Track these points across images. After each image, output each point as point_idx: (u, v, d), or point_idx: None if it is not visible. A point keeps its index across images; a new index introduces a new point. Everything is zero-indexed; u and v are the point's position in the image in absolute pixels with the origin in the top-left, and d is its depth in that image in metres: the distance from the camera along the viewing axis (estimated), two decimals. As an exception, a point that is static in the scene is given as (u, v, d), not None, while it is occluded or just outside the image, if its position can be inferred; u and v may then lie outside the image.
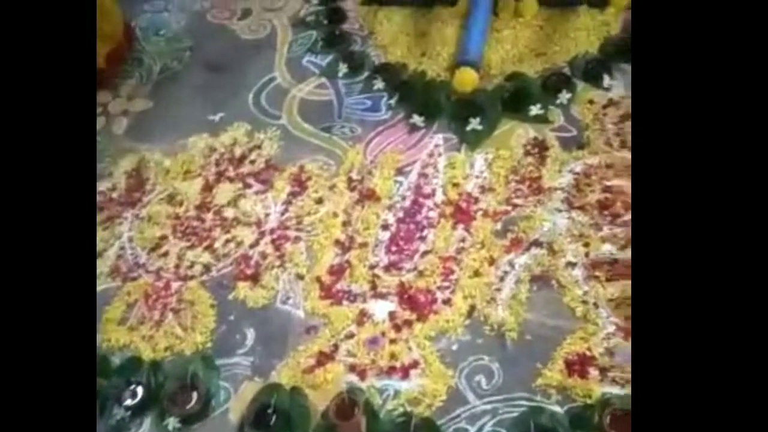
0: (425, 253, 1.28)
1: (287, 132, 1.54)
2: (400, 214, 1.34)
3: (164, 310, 1.29)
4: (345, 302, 1.24)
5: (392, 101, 1.54)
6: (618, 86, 1.45)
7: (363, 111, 1.55)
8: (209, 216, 1.42)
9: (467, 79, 1.49)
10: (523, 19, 1.62)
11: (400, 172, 1.41)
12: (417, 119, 1.49)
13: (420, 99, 1.52)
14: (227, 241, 1.37)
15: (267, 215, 1.39)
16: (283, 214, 1.39)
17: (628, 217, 1.24)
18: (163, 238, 1.41)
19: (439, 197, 1.35)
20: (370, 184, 1.39)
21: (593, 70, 1.48)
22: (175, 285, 1.33)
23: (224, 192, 1.45)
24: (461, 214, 1.31)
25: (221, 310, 1.28)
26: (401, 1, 1.73)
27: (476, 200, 1.33)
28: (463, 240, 1.28)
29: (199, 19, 1.85)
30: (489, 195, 1.33)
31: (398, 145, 1.46)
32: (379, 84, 1.58)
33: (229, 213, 1.42)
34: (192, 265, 1.35)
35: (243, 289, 1.29)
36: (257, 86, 1.64)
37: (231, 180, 1.47)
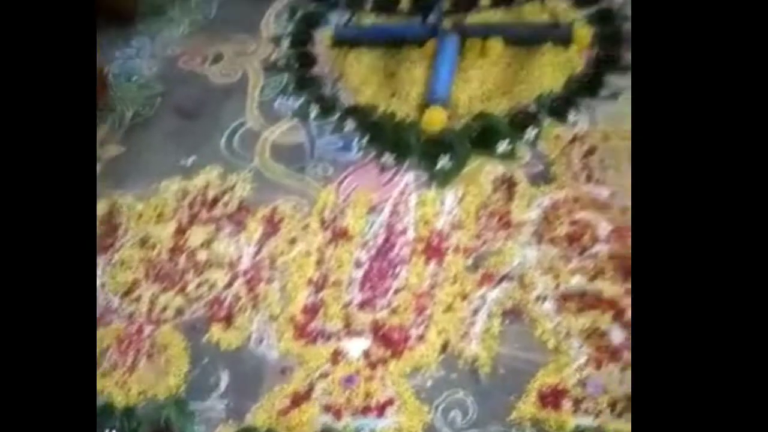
0: (398, 289, 1.28)
1: (260, 174, 1.55)
2: (373, 252, 1.35)
3: (137, 355, 1.28)
4: (319, 341, 1.24)
5: (363, 141, 1.56)
6: (583, 121, 1.49)
7: (335, 151, 1.56)
8: (182, 259, 1.42)
9: (436, 118, 1.52)
10: (489, 59, 1.65)
11: (372, 210, 1.43)
12: (388, 158, 1.51)
13: (390, 139, 1.55)
14: (200, 283, 1.37)
15: (240, 257, 1.40)
16: (256, 255, 1.39)
17: (595, 249, 1.26)
18: (136, 282, 1.40)
19: (411, 234, 1.37)
20: (342, 222, 1.41)
21: (558, 107, 1.52)
22: (147, 329, 1.32)
23: (197, 234, 1.46)
24: (433, 250, 1.33)
25: (195, 353, 1.27)
26: (370, 43, 1.76)
27: (447, 236, 1.34)
28: (435, 276, 1.29)
29: (171, 65, 1.87)
30: (460, 231, 1.35)
31: (370, 184, 1.48)
32: (350, 125, 1.60)
33: (202, 255, 1.42)
34: (165, 309, 1.34)
35: (216, 331, 1.29)
36: (229, 130, 1.66)
37: (204, 222, 1.48)
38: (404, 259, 1.33)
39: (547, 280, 1.24)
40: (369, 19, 1.79)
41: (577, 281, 1.23)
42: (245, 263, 1.38)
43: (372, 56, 1.75)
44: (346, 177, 1.50)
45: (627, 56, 1.57)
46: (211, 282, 1.37)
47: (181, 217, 1.50)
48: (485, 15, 1.63)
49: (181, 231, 1.47)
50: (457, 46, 1.64)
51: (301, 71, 1.78)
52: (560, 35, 1.63)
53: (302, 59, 1.81)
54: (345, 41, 1.78)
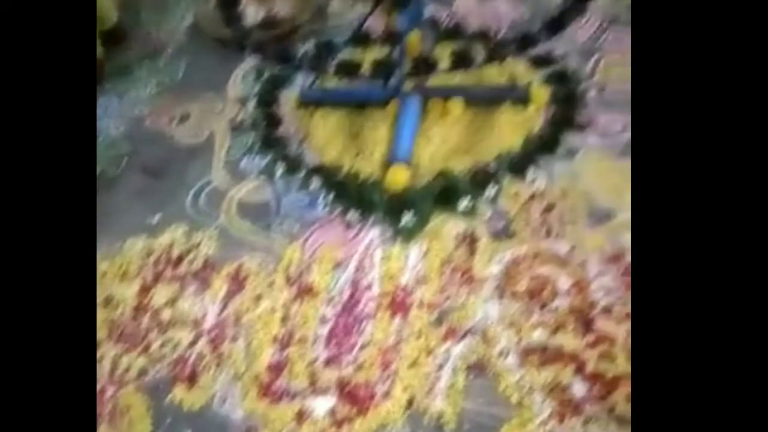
0: (364, 345, 1.29)
1: (225, 231, 1.56)
2: (339, 308, 1.36)
3: (98, 419, 1.26)
4: (284, 400, 1.24)
5: (329, 199, 1.59)
6: (541, 179, 1.54)
7: (301, 209, 1.58)
8: (146, 318, 1.41)
9: (399, 176, 1.56)
10: (450, 118, 1.70)
11: (337, 266, 1.44)
12: (353, 215, 1.54)
13: (355, 196, 1.58)
14: (164, 342, 1.36)
15: (204, 315, 1.39)
16: (220, 313, 1.39)
17: (556, 303, 1.29)
18: (98, 343, 1.39)
19: (376, 290, 1.38)
20: (308, 279, 1.42)
21: (517, 165, 1.57)
22: (110, 390, 1.30)
23: (162, 293, 1.45)
24: (398, 305, 1.34)
25: (157, 414, 1.26)
26: (335, 104, 1.81)
27: (412, 291, 1.36)
28: (400, 331, 1.30)
29: (138, 125, 1.89)
30: (424, 286, 1.37)
31: (336, 241, 1.50)
32: (315, 183, 1.63)
33: (166, 314, 1.41)
34: (128, 370, 1.33)
35: (180, 391, 1.28)
36: (195, 188, 1.67)
37: (169, 281, 1.47)
38: (369, 315, 1.34)
39: (509, 335, 1.26)
40: (332, 83, 1.83)
41: (538, 335, 1.25)
42: (210, 321, 1.38)
43: (336, 117, 1.79)
44: (311, 234, 1.52)
45: (582, 115, 1.64)
46: (174, 341, 1.36)
47: (146, 275, 1.50)
48: (446, 77, 1.68)
49: (145, 290, 1.46)
50: (419, 106, 1.69)
51: (267, 131, 1.81)
52: (518, 96, 1.69)
53: (268, 119, 1.84)
54: (310, 102, 1.82)
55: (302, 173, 1.67)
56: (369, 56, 1.74)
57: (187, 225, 1.58)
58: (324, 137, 1.75)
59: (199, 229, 1.57)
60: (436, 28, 1.91)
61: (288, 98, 1.87)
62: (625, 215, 1.41)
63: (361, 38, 1.85)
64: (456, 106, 1.70)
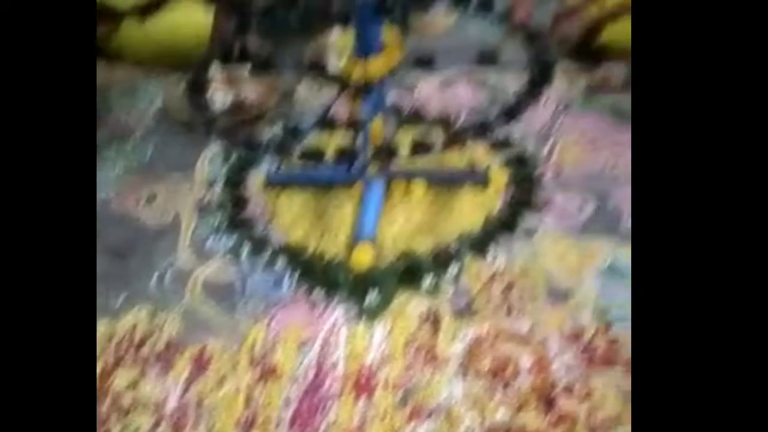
0: (328, 427, 1.28)
1: (189, 313, 1.56)
2: (303, 389, 1.36)
3: None
4: (247, 487, 1.21)
5: (294, 278, 1.61)
6: (501, 258, 1.58)
7: (266, 289, 1.59)
8: (106, 402, 1.38)
9: (364, 256, 1.59)
10: (413, 200, 1.76)
11: (302, 346, 1.44)
12: (318, 295, 1.55)
13: (320, 276, 1.60)
14: (123, 428, 1.33)
15: (166, 398, 1.38)
16: (183, 396, 1.38)
17: (518, 382, 1.31)
18: (56, 428, 1.35)
19: (341, 369, 1.38)
20: (272, 359, 1.42)
21: (478, 245, 1.61)
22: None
23: (123, 377, 1.43)
24: (363, 386, 1.35)
25: (114, 504, 1.22)
26: (301, 184, 1.85)
27: (377, 371, 1.37)
28: (365, 412, 1.30)
29: (104, 207, 1.89)
30: (388, 365, 1.38)
31: (300, 320, 1.50)
32: (281, 263, 1.65)
33: (127, 398, 1.39)
34: (85, 457, 1.29)
35: (139, 480, 1.24)
36: (160, 269, 1.67)
37: (130, 364, 1.46)
38: (334, 396, 1.34)
39: (473, 415, 1.27)
40: (297, 168, 1.89)
41: (502, 415, 1.26)
42: (171, 404, 1.36)
43: (302, 197, 1.83)
44: (276, 313, 1.53)
45: (540, 197, 1.71)
46: (134, 426, 1.33)
47: (107, 359, 1.47)
48: (408, 161, 1.74)
49: (106, 374, 1.44)
50: (382, 188, 1.74)
51: (233, 212, 1.83)
52: (478, 178, 1.76)
53: (235, 200, 1.87)
54: (277, 184, 1.86)
55: (268, 253, 1.69)
56: (334, 141, 1.80)
57: (151, 306, 1.58)
58: (290, 218, 1.78)
59: (163, 310, 1.57)
60: (398, 113, 1.99)
61: (255, 179, 1.90)
62: (583, 294, 1.46)
63: (326, 123, 1.91)
64: (418, 187, 1.76)
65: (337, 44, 2.04)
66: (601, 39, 2.17)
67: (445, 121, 1.97)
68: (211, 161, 1.99)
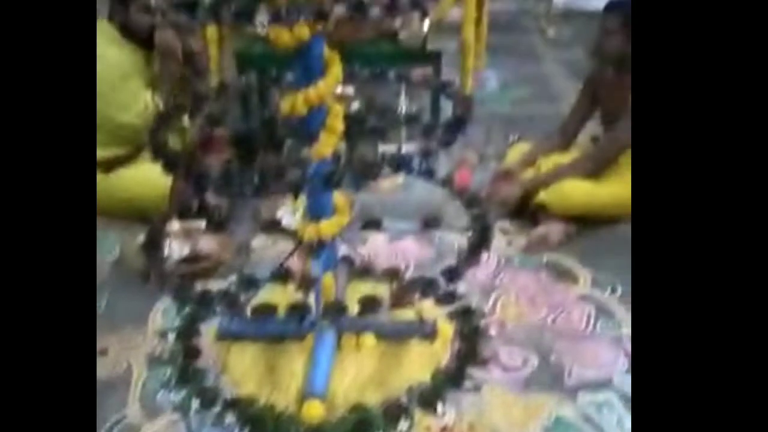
0: None
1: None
2: None
3: None
4: None
5: (243, 434, 1.60)
6: (450, 413, 1.62)
7: (214, 446, 1.59)
8: None
9: (314, 410, 1.60)
10: (363, 352, 1.80)
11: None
12: (268, 451, 1.55)
13: (271, 430, 1.60)
14: None
15: None
16: None
17: None
18: None
19: None
20: None
21: (427, 399, 1.65)
22: None
23: None
24: None
25: None
26: (253, 337, 1.88)
27: None
28: None
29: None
30: None
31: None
32: (230, 418, 1.64)
33: None
34: None
35: None
36: (109, 424, 1.65)
37: None
38: None
39: None
40: (249, 321, 1.92)
41: None
42: None
43: (254, 349, 1.85)
44: (223, 473, 1.51)
45: (485, 350, 1.78)
46: None
47: None
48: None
49: None
50: (334, 340, 1.79)
51: (184, 363, 1.83)
52: (425, 331, 1.83)
53: (187, 352, 1.87)
54: (228, 336, 1.89)
55: (218, 407, 1.68)
56: (286, 296, 1.85)
57: (97, 463, 1.55)
58: (241, 370, 1.80)
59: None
60: (350, 265, 2.07)
61: (208, 331, 1.93)
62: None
63: (280, 276, 1.97)
64: (369, 340, 1.81)
65: (291, 204, 2.16)
66: (538, 199, 2.35)
67: (393, 274, 2.06)
68: (164, 313, 2.01)
